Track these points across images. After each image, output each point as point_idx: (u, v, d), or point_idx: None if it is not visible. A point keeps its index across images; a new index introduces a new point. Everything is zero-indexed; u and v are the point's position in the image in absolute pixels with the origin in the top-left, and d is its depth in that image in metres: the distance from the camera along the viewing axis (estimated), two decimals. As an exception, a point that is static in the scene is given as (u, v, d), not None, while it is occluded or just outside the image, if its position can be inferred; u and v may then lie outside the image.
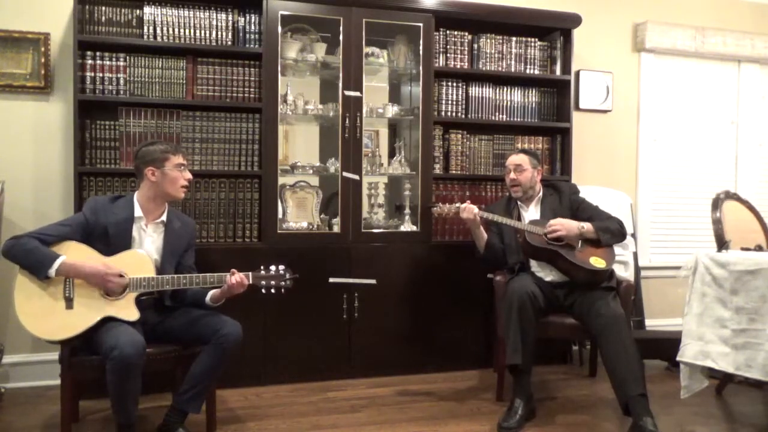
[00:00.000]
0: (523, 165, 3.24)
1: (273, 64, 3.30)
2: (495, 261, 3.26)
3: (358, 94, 3.44)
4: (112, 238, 2.51)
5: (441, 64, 3.68)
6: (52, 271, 2.36)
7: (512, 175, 3.24)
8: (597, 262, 3.00)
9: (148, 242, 2.60)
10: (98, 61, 3.18)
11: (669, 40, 4.37)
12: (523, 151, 3.35)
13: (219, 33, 3.34)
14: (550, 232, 3.01)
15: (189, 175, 2.66)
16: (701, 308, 2.68)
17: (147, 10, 3.24)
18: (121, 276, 2.42)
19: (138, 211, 2.58)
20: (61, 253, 2.41)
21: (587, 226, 3.05)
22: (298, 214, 3.49)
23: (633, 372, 2.67)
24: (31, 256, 2.37)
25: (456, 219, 3.50)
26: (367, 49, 3.50)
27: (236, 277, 2.52)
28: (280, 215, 3.40)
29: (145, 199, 2.61)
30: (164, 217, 2.65)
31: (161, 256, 2.61)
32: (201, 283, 2.54)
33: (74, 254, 2.43)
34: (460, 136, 3.75)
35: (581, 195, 3.31)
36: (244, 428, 2.78)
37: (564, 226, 3.03)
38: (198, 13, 3.31)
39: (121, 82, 3.22)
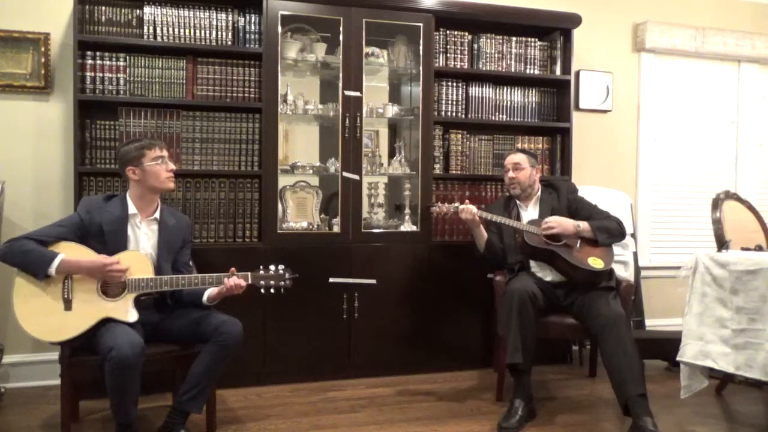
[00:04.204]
0: (521, 163, 3.26)
1: (273, 64, 3.30)
2: (495, 260, 3.26)
3: (358, 94, 3.44)
4: (108, 236, 2.51)
5: (441, 64, 3.68)
6: (52, 270, 2.35)
7: (511, 174, 3.27)
8: (595, 262, 3.00)
9: (144, 239, 2.61)
10: (98, 61, 3.18)
11: (669, 40, 4.37)
12: (521, 150, 3.40)
13: (219, 33, 3.34)
14: (545, 228, 3.01)
15: (171, 166, 2.66)
16: (701, 308, 2.68)
17: (147, 10, 3.24)
18: (119, 263, 2.41)
19: (132, 209, 2.59)
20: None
21: (584, 224, 3.06)
22: (298, 214, 3.49)
23: (633, 372, 2.67)
24: (30, 256, 2.37)
25: (456, 219, 3.50)
26: (367, 49, 3.50)
27: (233, 280, 2.52)
28: (280, 215, 3.40)
29: (137, 197, 2.62)
30: (157, 214, 2.65)
31: (157, 252, 2.62)
32: (200, 283, 2.54)
33: (71, 254, 2.43)
34: (460, 136, 3.75)
35: (580, 194, 3.32)
36: (244, 428, 2.78)
37: (559, 223, 3.04)
38: (198, 13, 3.30)
39: (121, 82, 3.22)
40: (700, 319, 2.68)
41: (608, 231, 3.08)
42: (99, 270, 2.40)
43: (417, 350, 3.57)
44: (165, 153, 2.65)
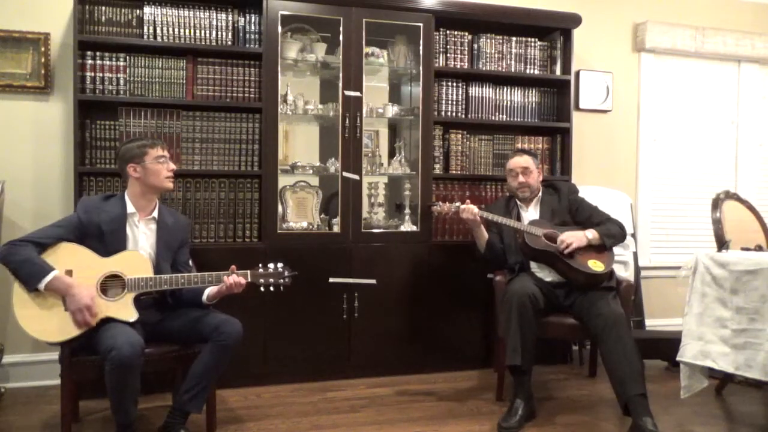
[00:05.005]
0: (529, 167, 3.25)
1: (273, 64, 3.31)
2: (496, 261, 3.26)
3: (358, 94, 3.44)
4: (107, 236, 2.52)
5: (441, 64, 3.68)
6: (41, 285, 2.35)
7: (521, 178, 3.24)
8: (595, 265, 3.00)
9: (143, 239, 2.61)
10: (98, 61, 3.18)
11: (669, 40, 4.37)
12: (525, 152, 3.36)
13: (219, 33, 3.34)
14: (564, 247, 2.99)
15: (172, 166, 2.67)
16: (701, 308, 2.68)
17: (147, 10, 3.24)
18: (95, 317, 2.37)
19: (130, 208, 2.60)
20: (57, 257, 2.41)
21: (593, 234, 3.05)
22: (298, 214, 3.49)
23: (633, 372, 2.67)
24: (24, 267, 2.36)
25: (456, 219, 3.50)
26: (367, 49, 3.50)
27: (233, 278, 2.52)
28: (280, 215, 3.40)
29: (135, 196, 2.62)
30: (155, 213, 2.66)
31: (156, 252, 2.62)
32: (200, 282, 2.54)
33: (70, 255, 2.44)
34: (460, 136, 3.75)
35: (580, 195, 3.32)
36: (244, 428, 2.78)
37: (577, 238, 3.02)
38: (198, 13, 3.31)
39: (121, 82, 3.22)
40: (700, 319, 2.68)
41: (614, 236, 3.10)
42: (78, 308, 2.34)
43: (417, 350, 3.57)
44: (166, 153, 2.66)
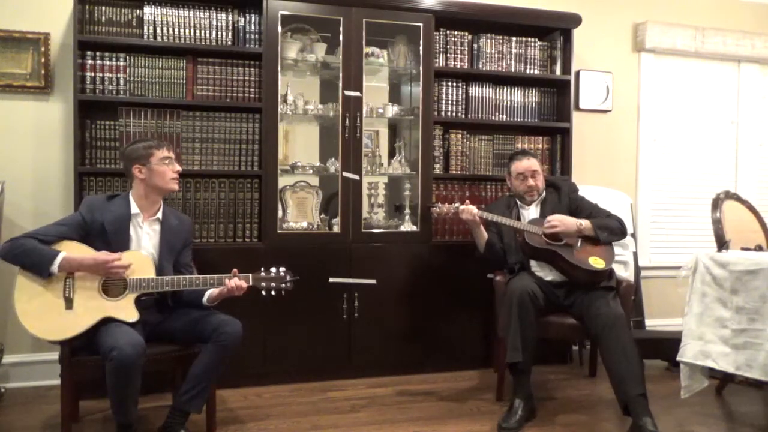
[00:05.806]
0: (538, 169, 3.25)
1: (273, 64, 3.31)
2: (496, 260, 3.26)
3: (358, 94, 3.44)
4: (110, 236, 2.52)
5: (441, 64, 3.68)
6: (54, 268, 2.36)
7: (530, 182, 3.22)
8: (596, 262, 3.00)
9: (146, 239, 2.61)
10: (98, 61, 3.18)
11: (669, 40, 4.37)
12: (530, 153, 3.34)
13: (219, 33, 3.34)
14: (547, 227, 3.01)
15: (177, 167, 2.68)
16: (701, 308, 2.68)
17: (147, 10, 3.24)
18: (120, 259, 2.42)
19: (134, 208, 2.60)
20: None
21: (585, 223, 3.05)
22: (298, 214, 3.49)
23: (633, 372, 2.67)
24: (32, 255, 2.37)
25: (456, 219, 3.50)
26: (367, 49, 3.50)
27: (234, 281, 2.52)
28: (280, 215, 3.40)
29: (139, 197, 2.62)
30: (159, 214, 2.66)
31: (159, 252, 2.62)
32: (201, 284, 2.54)
33: (73, 252, 2.43)
34: (460, 136, 3.75)
35: (580, 193, 3.32)
36: (244, 428, 2.79)
37: (562, 221, 3.03)
38: (198, 13, 3.31)
39: (121, 82, 3.22)
40: (700, 319, 2.68)
41: (609, 229, 3.08)
42: (101, 267, 2.40)
43: (417, 350, 3.57)
44: (172, 155, 2.67)
